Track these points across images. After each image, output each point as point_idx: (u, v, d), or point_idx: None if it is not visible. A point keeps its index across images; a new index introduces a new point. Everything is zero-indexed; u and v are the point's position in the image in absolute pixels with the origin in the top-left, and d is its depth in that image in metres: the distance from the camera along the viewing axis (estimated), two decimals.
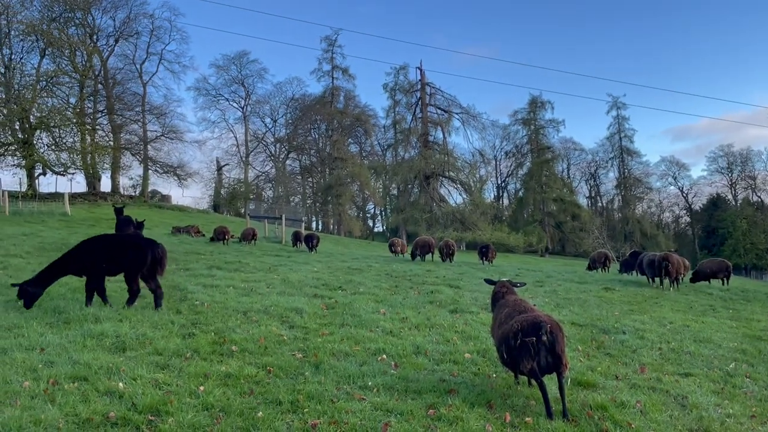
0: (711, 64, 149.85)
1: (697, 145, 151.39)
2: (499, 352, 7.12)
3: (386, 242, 78.13)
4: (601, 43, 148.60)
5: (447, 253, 27.55)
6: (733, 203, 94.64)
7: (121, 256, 10.55)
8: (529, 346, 6.43)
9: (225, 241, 29.04)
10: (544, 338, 6.41)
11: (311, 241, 30.17)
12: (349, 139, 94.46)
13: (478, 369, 8.22)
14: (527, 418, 6.30)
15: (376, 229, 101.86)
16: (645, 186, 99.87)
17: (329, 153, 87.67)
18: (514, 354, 6.58)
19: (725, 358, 9.79)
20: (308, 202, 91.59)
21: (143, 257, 10.52)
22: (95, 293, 10.57)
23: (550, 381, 6.83)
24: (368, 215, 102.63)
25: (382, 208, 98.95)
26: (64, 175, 51.51)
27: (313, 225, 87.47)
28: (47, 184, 66.20)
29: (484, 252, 29.91)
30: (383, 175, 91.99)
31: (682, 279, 20.08)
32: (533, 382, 7.10)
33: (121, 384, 6.49)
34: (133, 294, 10.59)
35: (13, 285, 10.33)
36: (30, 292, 10.03)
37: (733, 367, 9.18)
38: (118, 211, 20.44)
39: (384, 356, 8.50)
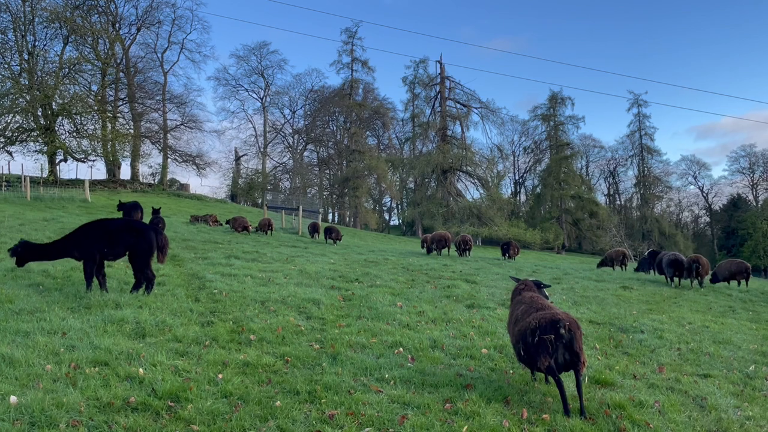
0: (736, 62, 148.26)
1: (721, 144, 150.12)
2: (515, 349, 7.10)
3: (402, 235, 78.60)
4: (625, 40, 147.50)
5: (463, 248, 27.54)
6: (754, 204, 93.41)
7: (125, 241, 10.49)
8: (546, 344, 6.40)
9: (246, 231, 29.24)
10: (563, 333, 6.39)
11: (330, 234, 30.36)
12: (367, 132, 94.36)
13: (495, 365, 8.21)
14: (544, 415, 6.28)
15: (392, 223, 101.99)
16: (664, 185, 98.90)
17: (347, 145, 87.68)
18: (532, 351, 6.57)
19: (745, 360, 9.69)
20: (325, 193, 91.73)
21: (150, 243, 10.53)
22: (94, 276, 10.58)
23: (568, 378, 6.81)
24: (384, 208, 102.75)
25: (399, 202, 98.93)
26: (84, 162, 52.14)
27: (330, 217, 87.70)
28: (68, 170, 67.01)
29: (506, 248, 30.19)
30: (400, 169, 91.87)
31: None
32: (550, 379, 7.09)
33: (141, 370, 6.56)
34: (149, 280, 10.64)
35: (10, 249, 10.57)
36: (25, 256, 10.44)
37: (753, 369, 9.09)
38: (121, 206, 20.90)
39: (401, 349, 8.52)
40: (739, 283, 21.50)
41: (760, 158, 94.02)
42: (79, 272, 11.84)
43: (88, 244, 10.41)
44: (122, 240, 10.50)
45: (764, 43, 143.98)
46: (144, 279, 10.66)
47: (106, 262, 10.96)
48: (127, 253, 10.57)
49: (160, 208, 20.89)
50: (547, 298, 7.94)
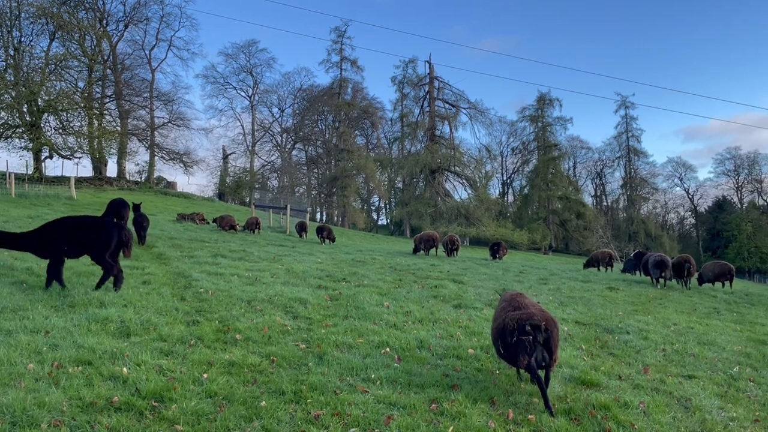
0: (725, 65, 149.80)
1: (708, 146, 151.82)
2: (495, 346, 7.23)
3: (390, 235, 78.50)
4: (614, 41, 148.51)
5: (451, 248, 27.57)
6: (739, 206, 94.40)
7: (85, 238, 10.36)
8: (525, 344, 6.52)
9: (233, 230, 29.09)
10: (528, 331, 6.56)
11: (322, 233, 30.30)
12: (356, 131, 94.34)
13: (481, 365, 8.21)
14: (530, 416, 6.29)
15: (380, 222, 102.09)
16: (651, 186, 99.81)
17: (335, 144, 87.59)
18: (511, 350, 6.70)
19: (729, 361, 9.76)
20: (313, 192, 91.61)
21: (108, 239, 10.39)
22: (61, 275, 10.46)
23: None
24: (373, 208, 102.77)
25: (387, 201, 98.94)
26: (70, 159, 51.65)
27: (318, 216, 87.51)
28: (53, 167, 66.49)
29: (496, 249, 30.11)
30: (389, 168, 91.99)
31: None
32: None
33: (125, 369, 6.50)
34: (107, 271, 10.45)
35: None
36: None
37: (737, 370, 9.16)
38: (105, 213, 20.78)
39: (387, 349, 8.50)
40: (723, 285, 21.68)
41: (745, 161, 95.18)
42: (65, 270, 11.75)
43: (48, 242, 10.29)
44: (83, 237, 10.38)
45: (754, 47, 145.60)
46: (105, 273, 10.51)
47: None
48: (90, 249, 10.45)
49: (141, 203, 20.74)
50: None
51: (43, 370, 6.31)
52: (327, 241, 30.09)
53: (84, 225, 10.56)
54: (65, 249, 10.37)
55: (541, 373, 6.68)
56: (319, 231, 30.71)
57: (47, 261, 10.49)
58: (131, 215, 19.76)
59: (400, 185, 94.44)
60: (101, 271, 10.69)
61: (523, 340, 6.51)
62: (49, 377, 6.11)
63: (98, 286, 10.47)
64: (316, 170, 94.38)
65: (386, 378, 7.13)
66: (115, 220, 19.96)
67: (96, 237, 10.38)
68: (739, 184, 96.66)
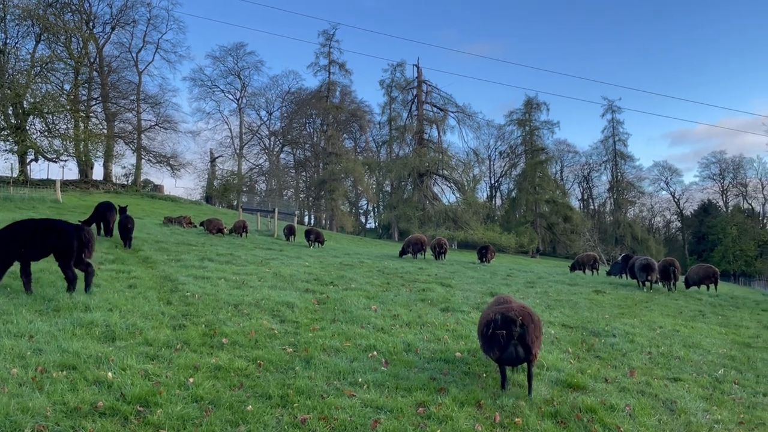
0: (712, 69, 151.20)
1: (695, 150, 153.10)
2: (479, 341, 7.54)
3: (378, 239, 78.49)
4: (602, 45, 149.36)
5: (439, 252, 27.61)
6: (724, 210, 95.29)
7: (45, 241, 10.24)
8: (499, 337, 6.81)
9: (220, 233, 28.96)
10: (498, 319, 6.90)
11: (310, 236, 30.27)
12: (344, 135, 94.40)
13: (469, 368, 8.22)
14: (517, 419, 6.30)
15: (368, 226, 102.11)
16: (637, 190, 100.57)
17: (324, 148, 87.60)
18: (485, 342, 7.05)
19: (714, 363, 9.83)
20: (301, 196, 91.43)
21: (69, 242, 10.25)
22: (21, 278, 10.33)
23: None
24: (361, 211, 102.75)
25: (375, 205, 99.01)
26: (56, 162, 51.13)
27: (306, 219, 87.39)
28: (39, 170, 65.56)
29: (483, 252, 30.12)
30: (377, 172, 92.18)
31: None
32: (523, 381, 7.22)
33: (110, 374, 6.45)
34: (70, 281, 10.35)
35: None
36: None
37: (721, 373, 9.23)
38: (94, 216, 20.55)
39: (375, 353, 8.49)
40: (708, 288, 21.85)
41: (730, 165, 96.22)
42: (48, 274, 11.68)
43: (6, 243, 10.14)
44: (43, 240, 10.27)
45: (742, 51, 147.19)
46: (66, 278, 10.41)
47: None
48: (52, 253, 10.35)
49: (127, 206, 20.67)
50: None
51: (26, 374, 6.25)
52: (316, 244, 30.06)
53: (44, 228, 10.38)
54: (22, 251, 10.17)
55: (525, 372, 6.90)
56: (308, 234, 30.69)
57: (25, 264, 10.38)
58: (117, 218, 19.65)
59: (388, 188, 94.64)
60: (90, 274, 10.64)
61: (497, 333, 6.79)
62: (33, 382, 6.05)
63: (69, 290, 10.31)
64: (304, 173, 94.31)
65: (373, 382, 7.12)
66: (101, 223, 19.99)
67: (56, 240, 10.23)
68: (725, 187, 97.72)
